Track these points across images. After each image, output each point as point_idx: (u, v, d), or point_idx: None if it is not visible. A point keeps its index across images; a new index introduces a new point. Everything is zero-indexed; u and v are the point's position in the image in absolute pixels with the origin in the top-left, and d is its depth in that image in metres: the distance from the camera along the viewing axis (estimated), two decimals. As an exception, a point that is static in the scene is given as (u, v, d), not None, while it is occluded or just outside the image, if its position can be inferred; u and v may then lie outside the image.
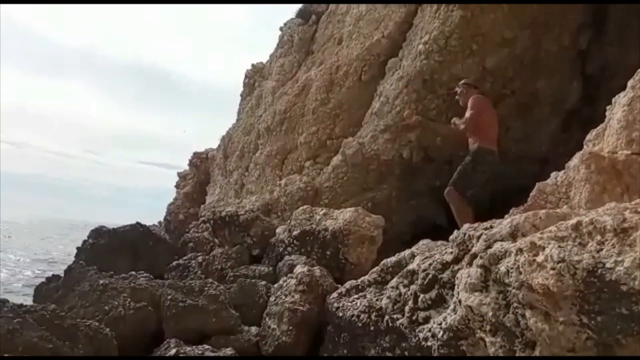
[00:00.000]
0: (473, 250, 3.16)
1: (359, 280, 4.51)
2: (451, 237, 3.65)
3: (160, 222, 13.83)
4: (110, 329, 4.48)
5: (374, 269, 4.47)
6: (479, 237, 3.24)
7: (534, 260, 2.60)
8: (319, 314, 4.61)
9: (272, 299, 4.90)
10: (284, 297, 4.65)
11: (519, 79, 7.52)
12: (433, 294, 3.62)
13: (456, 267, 3.47)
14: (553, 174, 4.36)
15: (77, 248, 7.82)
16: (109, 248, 7.37)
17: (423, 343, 3.37)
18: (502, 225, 3.07)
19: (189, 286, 5.16)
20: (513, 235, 2.97)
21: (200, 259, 7.09)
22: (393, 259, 4.35)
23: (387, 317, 3.87)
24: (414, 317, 3.66)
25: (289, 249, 6.28)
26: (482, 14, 6.85)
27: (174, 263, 7.03)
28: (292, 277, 4.83)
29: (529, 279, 2.60)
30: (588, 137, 4.26)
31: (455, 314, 3.17)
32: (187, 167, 14.35)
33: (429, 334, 3.38)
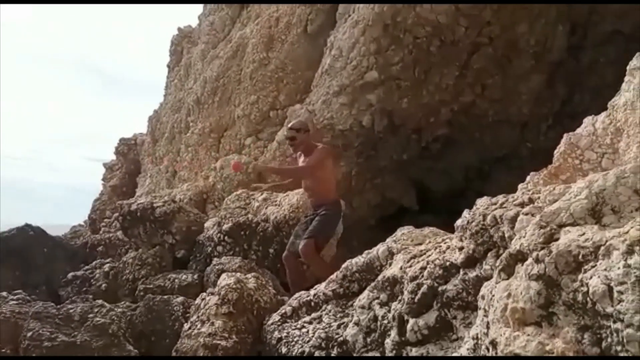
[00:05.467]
0: (513, 246, 1.70)
1: (311, 293, 3.01)
2: (458, 222, 2.19)
3: (85, 222, 11.90)
4: None
5: (334, 276, 2.98)
6: (514, 220, 1.79)
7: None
8: (254, 345, 3.10)
9: (185, 326, 3.34)
10: (199, 326, 3.10)
11: (497, 23, 6.16)
12: (431, 318, 2.18)
13: (471, 274, 2.02)
14: (587, 120, 2.95)
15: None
16: (-14, 260, 5.59)
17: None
18: (570, 193, 1.61)
19: (64, 313, 3.54)
20: (596, 213, 1.54)
21: (107, 267, 5.42)
22: (360, 259, 2.87)
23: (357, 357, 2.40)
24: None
25: (219, 248, 4.72)
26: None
27: (70, 275, 5.33)
28: (212, 294, 3.28)
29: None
30: (635, 62, 2.88)
31: (484, 364, 1.72)
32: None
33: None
